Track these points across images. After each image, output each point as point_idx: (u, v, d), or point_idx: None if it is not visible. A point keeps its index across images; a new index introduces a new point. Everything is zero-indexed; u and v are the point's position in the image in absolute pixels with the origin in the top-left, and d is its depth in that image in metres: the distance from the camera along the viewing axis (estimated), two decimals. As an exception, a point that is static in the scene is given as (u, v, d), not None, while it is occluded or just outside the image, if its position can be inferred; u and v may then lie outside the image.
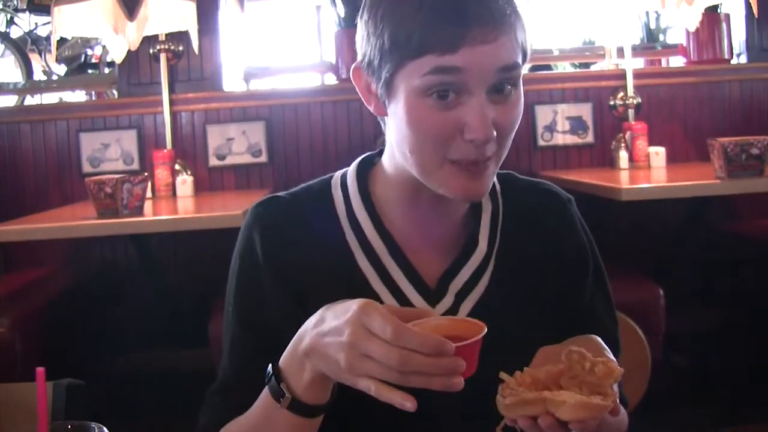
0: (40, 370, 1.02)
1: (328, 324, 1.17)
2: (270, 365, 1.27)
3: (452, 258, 1.46)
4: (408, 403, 1.09)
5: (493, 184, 1.50)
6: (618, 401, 1.17)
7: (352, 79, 1.41)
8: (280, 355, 1.31)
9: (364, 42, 1.34)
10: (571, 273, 1.52)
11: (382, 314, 1.11)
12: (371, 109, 1.40)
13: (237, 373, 1.43)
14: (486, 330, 1.14)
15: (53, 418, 1.50)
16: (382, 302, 1.35)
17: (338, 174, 1.53)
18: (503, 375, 1.19)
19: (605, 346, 1.31)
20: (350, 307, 1.15)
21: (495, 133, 1.28)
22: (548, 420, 1.13)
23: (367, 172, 1.50)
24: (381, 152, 1.50)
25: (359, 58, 1.37)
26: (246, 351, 1.42)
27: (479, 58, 1.25)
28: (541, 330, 1.37)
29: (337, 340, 1.13)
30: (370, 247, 1.44)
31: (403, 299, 1.42)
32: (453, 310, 1.42)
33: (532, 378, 1.19)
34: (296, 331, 1.31)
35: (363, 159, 1.52)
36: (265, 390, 1.27)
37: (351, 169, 1.51)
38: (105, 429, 1.07)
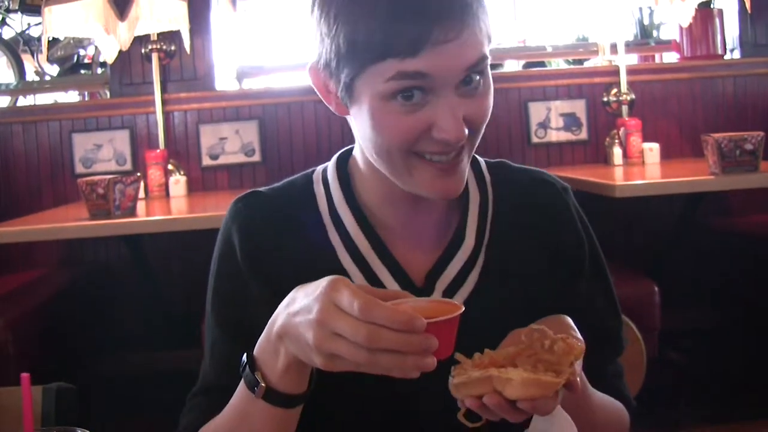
0: (25, 376, 1.01)
1: (299, 303, 1.11)
2: (245, 355, 1.22)
3: (439, 254, 1.40)
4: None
5: (482, 174, 1.47)
6: (578, 379, 1.13)
7: (309, 77, 1.33)
8: None
9: (317, 42, 1.27)
10: (566, 266, 1.44)
11: (352, 290, 1.06)
12: (332, 108, 1.34)
13: (217, 375, 1.38)
14: (463, 309, 1.09)
15: (43, 422, 1.49)
16: None
17: (319, 169, 1.48)
18: (459, 356, 1.14)
19: (573, 325, 1.26)
20: (320, 284, 1.10)
21: (467, 130, 1.22)
22: (494, 399, 1.09)
23: (346, 165, 1.45)
24: None
25: (313, 57, 1.30)
26: (227, 353, 1.36)
27: (444, 58, 1.18)
28: None
29: (307, 318, 1.08)
30: (354, 244, 1.38)
31: None
32: None
33: (490, 359, 1.14)
34: None
35: (342, 152, 1.47)
36: (241, 384, 1.22)
37: (331, 165, 1.46)
38: (91, 435, 1.06)
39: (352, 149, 1.45)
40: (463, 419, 1.15)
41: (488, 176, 1.47)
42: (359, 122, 1.29)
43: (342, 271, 1.37)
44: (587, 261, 1.47)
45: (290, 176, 1.50)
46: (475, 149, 1.32)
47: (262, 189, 1.46)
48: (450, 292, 1.38)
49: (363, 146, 1.33)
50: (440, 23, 1.17)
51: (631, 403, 1.48)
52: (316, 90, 1.34)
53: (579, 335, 1.21)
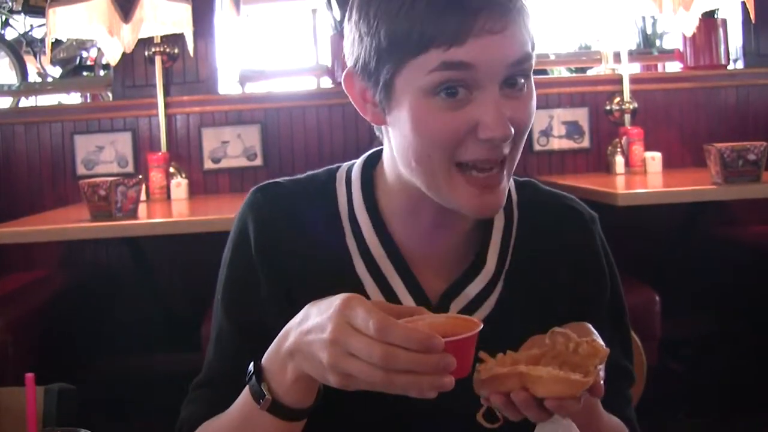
0: (30, 376, 1.01)
1: (312, 321, 1.09)
2: (251, 364, 1.19)
3: (458, 275, 1.36)
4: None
5: (510, 193, 1.39)
6: (601, 382, 1.10)
7: (344, 87, 1.30)
8: (266, 350, 1.24)
9: (355, 45, 1.24)
10: (585, 300, 1.40)
11: (366, 308, 1.04)
12: (368, 118, 1.29)
13: (223, 367, 1.35)
14: (481, 327, 1.06)
15: (45, 423, 1.48)
16: None
17: (344, 167, 1.43)
18: (482, 354, 1.11)
19: (594, 330, 1.23)
20: (333, 302, 1.07)
21: (512, 129, 1.18)
22: (522, 395, 1.07)
23: (372, 171, 1.39)
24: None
25: (350, 63, 1.26)
26: (233, 344, 1.34)
27: (488, 50, 1.15)
28: None
29: (320, 337, 1.06)
30: (369, 252, 1.34)
31: None
32: None
33: (512, 360, 1.12)
34: (282, 326, 1.25)
35: (371, 154, 1.42)
36: (246, 391, 1.20)
37: (357, 165, 1.41)
38: (94, 435, 1.05)
39: (380, 153, 1.40)
40: (481, 420, 1.13)
41: (515, 196, 1.42)
42: (397, 128, 1.24)
43: (355, 278, 1.34)
44: (608, 300, 1.44)
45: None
46: (514, 168, 1.27)
47: (282, 180, 1.42)
48: (465, 314, 1.31)
49: (399, 155, 1.27)
50: (485, 14, 1.14)
51: (633, 421, 1.46)
52: (351, 99, 1.30)
53: (601, 340, 1.18)
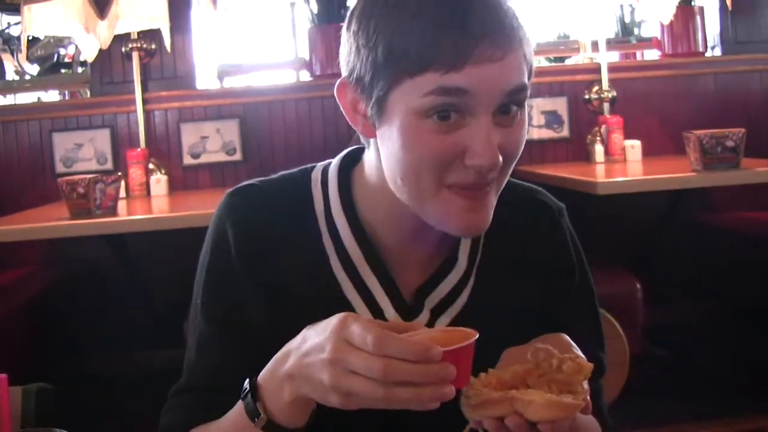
0: (2, 377, 1.00)
1: (310, 342, 1.09)
2: (246, 381, 1.18)
3: (431, 272, 1.37)
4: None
5: None
6: (589, 399, 1.12)
7: (336, 95, 1.28)
8: (249, 353, 1.25)
9: (352, 55, 1.22)
10: (554, 290, 1.43)
11: (363, 325, 1.04)
12: (357, 129, 1.29)
13: (205, 372, 1.35)
14: (477, 336, 1.06)
15: (23, 423, 1.47)
16: (353, 309, 1.32)
17: (319, 167, 1.42)
18: None
19: (573, 343, 1.25)
20: (330, 322, 1.07)
21: (500, 157, 1.18)
22: (516, 420, 1.07)
23: (350, 170, 1.39)
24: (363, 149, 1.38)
25: (344, 73, 1.25)
26: (215, 349, 1.34)
27: (486, 78, 1.14)
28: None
29: (319, 357, 1.06)
30: (346, 253, 1.34)
31: (376, 309, 1.34)
32: (429, 326, 1.30)
33: (497, 379, 1.13)
34: (265, 329, 1.28)
35: (347, 154, 1.41)
36: (240, 405, 1.19)
37: (333, 167, 1.40)
38: (71, 436, 1.04)
39: (358, 153, 1.40)
40: None
41: None
42: (387, 143, 1.23)
43: (332, 278, 1.35)
44: (575, 286, 1.45)
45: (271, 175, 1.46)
46: (501, 191, 1.27)
47: (256, 182, 1.41)
48: (439, 311, 1.36)
49: (387, 170, 1.26)
50: (487, 41, 1.14)
51: (608, 422, 1.46)
52: (342, 109, 1.29)
53: (580, 352, 1.19)
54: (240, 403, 1.19)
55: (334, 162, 1.42)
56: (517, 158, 1.24)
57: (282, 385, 1.13)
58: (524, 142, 1.24)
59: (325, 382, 1.05)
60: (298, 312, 1.26)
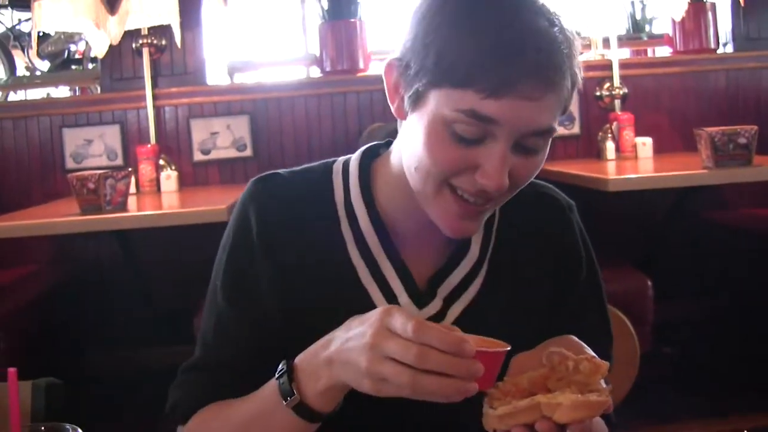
0: (12, 371, 1.00)
1: (354, 330, 1.14)
2: (283, 362, 1.23)
3: (444, 260, 1.41)
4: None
5: None
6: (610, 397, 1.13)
7: (383, 71, 1.31)
8: (267, 335, 1.33)
9: (409, 42, 1.24)
10: (562, 283, 1.46)
11: (406, 314, 1.08)
12: (392, 108, 1.32)
13: (223, 352, 1.38)
14: (509, 348, 1.12)
15: (33, 418, 1.47)
16: (368, 295, 1.37)
17: (341, 160, 1.47)
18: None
19: (583, 343, 1.26)
20: (375, 312, 1.13)
21: (508, 183, 1.22)
22: (547, 425, 1.08)
23: (370, 162, 1.45)
24: (388, 143, 1.45)
25: (398, 53, 1.27)
26: (235, 330, 1.38)
27: (519, 114, 1.17)
28: (530, 340, 1.27)
29: (360, 343, 1.10)
30: (364, 240, 1.39)
31: (390, 296, 1.38)
32: (441, 315, 1.37)
33: (515, 387, 1.14)
34: (283, 312, 1.34)
35: (368, 148, 1.47)
36: (270, 385, 1.24)
37: (354, 159, 1.46)
38: (79, 430, 1.04)
39: (379, 146, 1.47)
40: None
41: None
42: (412, 132, 1.27)
43: (349, 264, 1.39)
44: (582, 281, 1.48)
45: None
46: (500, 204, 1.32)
47: (281, 171, 1.46)
48: (451, 299, 1.39)
49: (405, 154, 1.32)
50: (531, 81, 1.16)
51: (612, 420, 1.47)
52: (385, 84, 1.31)
53: (593, 353, 1.21)
54: (271, 383, 1.24)
55: (355, 155, 1.47)
56: (526, 184, 1.29)
57: (320, 369, 1.18)
58: (537, 172, 1.29)
59: (361, 366, 1.10)
60: (314, 296, 1.37)
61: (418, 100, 1.24)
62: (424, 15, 1.22)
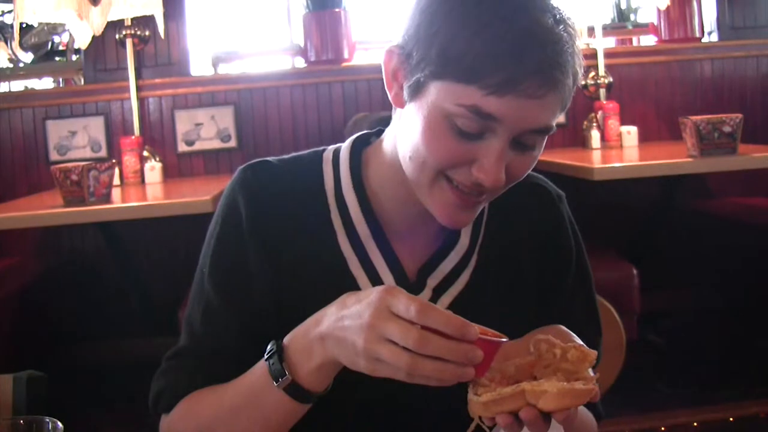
0: (-10, 365, 0.99)
1: (350, 308, 1.12)
2: (272, 342, 1.21)
3: (433, 250, 1.41)
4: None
5: None
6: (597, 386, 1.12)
7: (382, 58, 1.28)
8: (255, 322, 1.32)
9: (411, 30, 1.21)
10: (551, 274, 1.46)
11: (408, 295, 1.08)
12: (390, 94, 1.29)
13: (210, 338, 1.37)
14: (506, 340, 1.11)
15: (14, 411, 1.46)
16: (357, 285, 1.36)
17: (331, 149, 1.46)
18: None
19: (571, 332, 1.25)
20: (375, 290, 1.11)
21: (504, 178, 1.21)
22: (531, 412, 1.07)
23: (361, 150, 1.43)
24: (379, 132, 1.43)
25: (398, 40, 1.24)
26: (221, 316, 1.36)
27: (520, 112, 1.16)
28: (519, 330, 1.26)
29: (357, 322, 1.09)
30: (354, 229, 1.38)
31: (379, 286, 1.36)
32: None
33: (501, 374, 1.13)
34: (271, 299, 1.33)
35: (359, 137, 1.45)
36: (259, 366, 1.23)
37: (345, 147, 1.44)
38: (59, 423, 1.03)
39: (369, 135, 1.45)
40: None
41: None
42: (410, 122, 1.25)
43: (339, 254, 1.38)
44: (572, 272, 1.48)
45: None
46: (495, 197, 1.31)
47: (271, 159, 1.44)
48: (441, 289, 1.39)
49: (401, 142, 1.29)
50: (536, 79, 1.15)
51: (601, 414, 1.47)
52: (383, 71, 1.29)
53: (581, 341, 1.20)
54: (260, 365, 1.23)
55: (346, 143, 1.46)
56: (519, 180, 1.27)
57: (312, 347, 1.17)
58: (532, 168, 1.28)
59: (357, 346, 1.08)
60: (303, 284, 1.36)
61: (418, 90, 1.22)
62: (429, 3, 1.20)
